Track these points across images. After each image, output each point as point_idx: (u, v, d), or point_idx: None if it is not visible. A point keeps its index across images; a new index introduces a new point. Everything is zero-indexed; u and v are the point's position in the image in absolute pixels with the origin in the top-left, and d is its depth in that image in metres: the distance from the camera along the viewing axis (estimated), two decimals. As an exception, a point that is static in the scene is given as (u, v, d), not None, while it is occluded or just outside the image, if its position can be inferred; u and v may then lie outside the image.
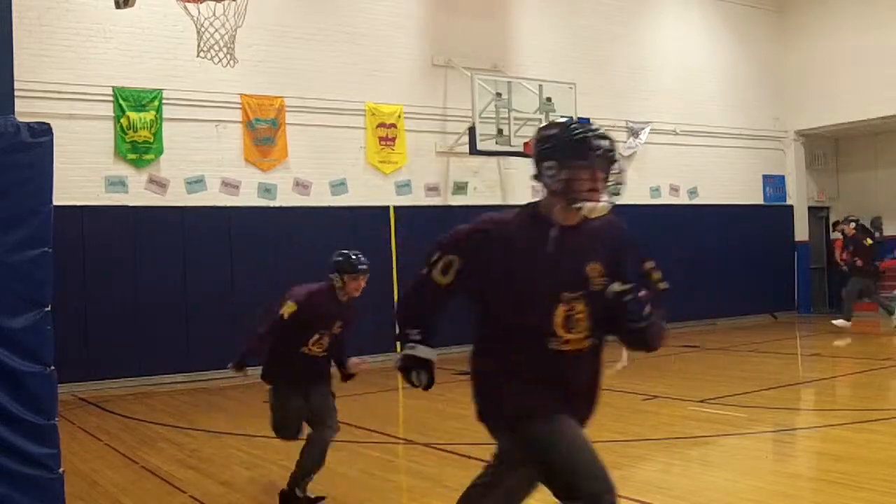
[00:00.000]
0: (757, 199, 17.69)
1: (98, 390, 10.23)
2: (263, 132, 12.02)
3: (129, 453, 6.91)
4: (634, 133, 15.63)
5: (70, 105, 10.56)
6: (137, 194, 11.10)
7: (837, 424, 7.10)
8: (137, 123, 11.04)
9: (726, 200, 16.81)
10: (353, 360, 5.50)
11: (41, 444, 4.05)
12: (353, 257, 5.20)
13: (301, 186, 12.28)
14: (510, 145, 12.93)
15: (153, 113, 11.16)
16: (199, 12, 8.57)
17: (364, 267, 5.19)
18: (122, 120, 10.97)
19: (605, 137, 2.91)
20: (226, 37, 8.69)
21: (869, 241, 14.15)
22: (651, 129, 15.79)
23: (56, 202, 4.29)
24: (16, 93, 4.97)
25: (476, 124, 12.71)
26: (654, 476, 5.80)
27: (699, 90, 16.68)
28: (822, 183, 18.75)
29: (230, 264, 10.54)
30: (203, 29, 8.67)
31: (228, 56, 8.81)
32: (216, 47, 8.72)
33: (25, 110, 8.90)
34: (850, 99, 16.54)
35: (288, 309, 5.14)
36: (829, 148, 18.83)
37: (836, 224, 13.08)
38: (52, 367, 4.13)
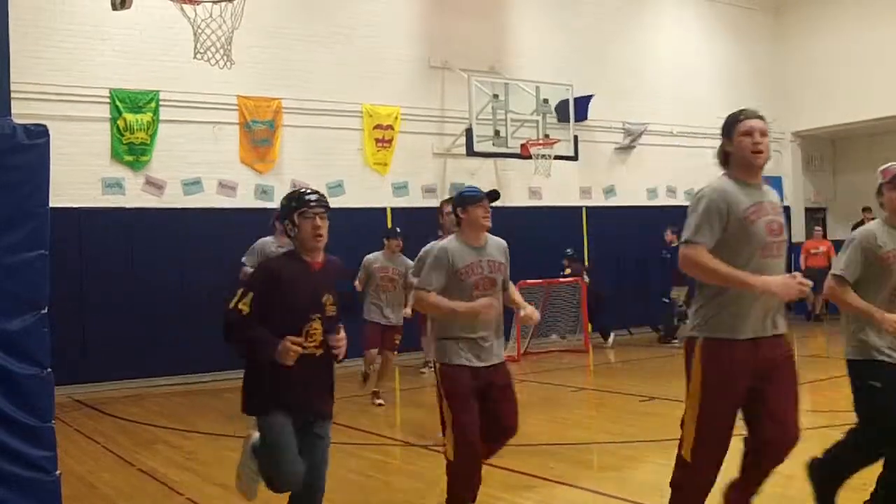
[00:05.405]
0: (754, 200, 17.67)
1: (95, 392, 10.20)
2: (260, 134, 12.00)
3: (126, 455, 6.90)
4: (631, 134, 15.63)
5: (66, 107, 10.54)
6: (134, 196, 11.08)
7: (835, 425, 7.08)
8: (134, 125, 11.03)
9: (723, 201, 16.78)
10: None
11: (38, 446, 4.04)
12: None
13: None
14: (507, 147, 12.92)
15: (150, 115, 11.14)
16: (195, 14, 8.53)
17: None
18: (118, 122, 10.96)
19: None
20: (223, 38, 8.65)
21: None
22: (648, 130, 15.80)
23: (53, 204, 4.29)
24: (12, 95, 4.96)
25: (473, 126, 12.70)
26: (651, 477, 5.79)
27: (696, 91, 16.68)
28: (818, 184, 18.78)
29: (227, 266, 10.47)
30: (200, 30, 8.63)
31: (225, 58, 8.77)
32: (213, 49, 8.68)
33: (22, 112, 8.87)
34: (846, 100, 16.57)
35: None
36: (825, 149, 18.86)
37: None
38: (49, 370, 4.13)
